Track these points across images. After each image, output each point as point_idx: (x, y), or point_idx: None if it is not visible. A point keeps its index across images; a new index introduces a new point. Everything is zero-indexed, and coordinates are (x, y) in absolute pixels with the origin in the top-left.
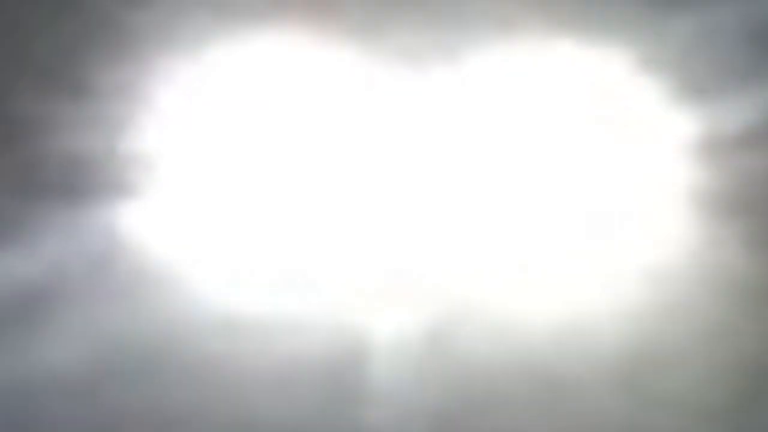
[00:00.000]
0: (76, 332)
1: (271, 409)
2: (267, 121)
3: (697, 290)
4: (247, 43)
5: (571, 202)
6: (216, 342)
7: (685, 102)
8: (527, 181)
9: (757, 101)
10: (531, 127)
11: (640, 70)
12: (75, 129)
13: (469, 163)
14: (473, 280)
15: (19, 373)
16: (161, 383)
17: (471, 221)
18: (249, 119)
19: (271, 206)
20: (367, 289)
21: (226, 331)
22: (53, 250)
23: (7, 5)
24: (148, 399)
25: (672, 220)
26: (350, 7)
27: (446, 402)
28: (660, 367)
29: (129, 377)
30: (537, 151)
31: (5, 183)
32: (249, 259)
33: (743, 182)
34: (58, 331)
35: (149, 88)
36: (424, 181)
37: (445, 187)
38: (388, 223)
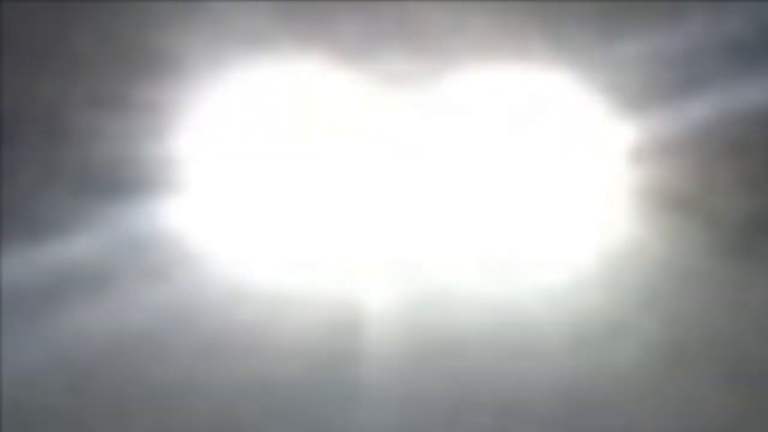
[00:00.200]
0: (123, 304)
1: (280, 370)
2: (279, 130)
3: (633, 272)
4: (261, 66)
5: (530, 198)
6: (236, 313)
7: (628, 115)
8: (494, 181)
9: (686, 114)
10: (497, 137)
11: (592, 89)
12: (120, 137)
13: (445, 167)
14: (448, 263)
15: (79, 336)
16: (191, 348)
17: (448, 215)
18: (263, 129)
19: (282, 200)
20: (361, 270)
21: (244, 304)
22: (104, 237)
23: (68, 38)
24: (180, 360)
25: (612, 212)
26: (348, 37)
27: (426, 361)
28: (606, 332)
29: (165, 342)
30: (502, 157)
31: (65, 182)
32: (264, 243)
33: (673, 182)
34: (110, 303)
35: (181, 103)
36: (410, 181)
37: (426, 187)
38: (379, 215)
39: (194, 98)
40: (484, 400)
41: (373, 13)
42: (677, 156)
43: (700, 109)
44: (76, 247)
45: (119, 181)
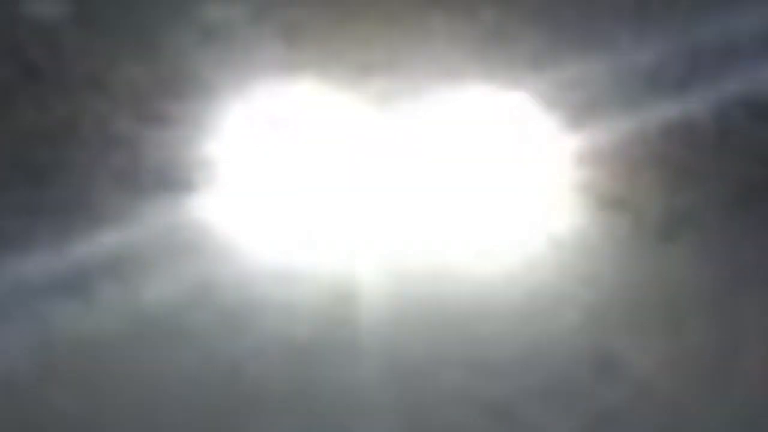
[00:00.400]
0: (162, 280)
1: (290, 333)
2: (290, 138)
3: (575, 255)
4: (274, 86)
5: (494, 194)
6: (254, 286)
7: (571, 128)
8: (463, 181)
9: (618, 127)
10: (466, 145)
11: (543, 106)
12: (160, 145)
13: (424, 169)
14: (428, 246)
15: (133, 308)
16: (218, 315)
17: (427, 208)
18: (277, 137)
19: (293, 195)
20: (357, 251)
21: (261, 279)
22: (147, 225)
23: (120, 67)
24: (210, 324)
25: (559, 207)
26: (345, 64)
27: (408, 325)
28: (553, 303)
29: (197, 309)
30: (469, 161)
31: (116, 182)
32: (278, 230)
33: (607, 182)
34: (152, 279)
35: (208, 117)
36: (396, 180)
37: (409, 185)
38: (372, 207)
39: (219, 113)
40: (457, 357)
41: (365, 44)
42: (610, 162)
43: (630, 123)
44: (126, 233)
45: (160, 180)
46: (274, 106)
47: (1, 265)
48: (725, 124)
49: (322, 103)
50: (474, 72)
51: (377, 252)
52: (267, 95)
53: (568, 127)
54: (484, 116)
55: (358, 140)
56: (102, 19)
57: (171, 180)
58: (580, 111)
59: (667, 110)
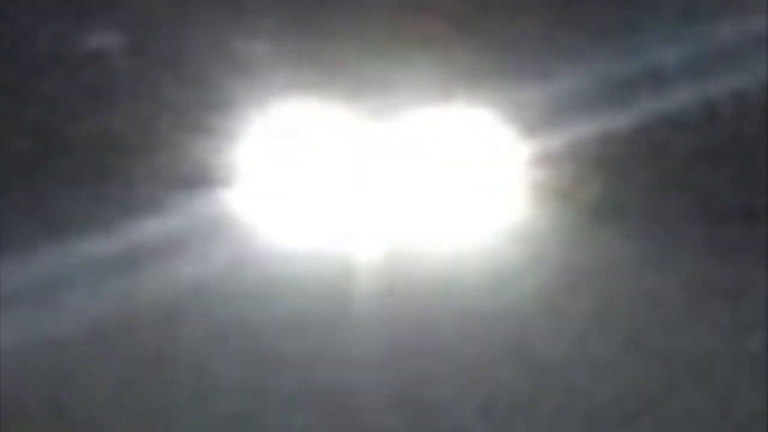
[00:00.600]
0: (195, 261)
1: (298, 305)
2: (299, 143)
3: (528, 240)
4: (285, 100)
5: (461, 191)
6: (272, 265)
7: (527, 136)
8: (438, 180)
9: (567, 136)
10: (438, 151)
11: (502, 119)
12: (196, 149)
13: (407, 170)
14: (412, 232)
15: (175, 280)
16: (240, 292)
17: (409, 201)
18: (289, 143)
19: (302, 190)
20: (355, 235)
21: (277, 260)
22: (188, 215)
23: (160, 85)
24: (235, 298)
25: (516, 201)
26: (343, 86)
27: (399, 297)
28: (510, 277)
29: (226, 283)
30: (441, 164)
31: (162, 179)
32: (290, 218)
33: (555, 180)
34: (184, 261)
35: (234, 126)
36: (385, 178)
37: (396, 183)
38: (366, 199)
39: (243, 125)
40: (440, 322)
41: (360, 71)
42: (556, 163)
43: (577, 132)
44: (169, 220)
45: (196, 177)
46: (287, 119)
47: (70, 246)
48: (648, 133)
49: (325, 117)
50: (449, 92)
51: (371, 236)
52: (281, 110)
53: (522, 136)
54: (456, 127)
55: (355, 146)
56: (151, 50)
57: (205, 178)
58: (533, 123)
59: (601, 122)
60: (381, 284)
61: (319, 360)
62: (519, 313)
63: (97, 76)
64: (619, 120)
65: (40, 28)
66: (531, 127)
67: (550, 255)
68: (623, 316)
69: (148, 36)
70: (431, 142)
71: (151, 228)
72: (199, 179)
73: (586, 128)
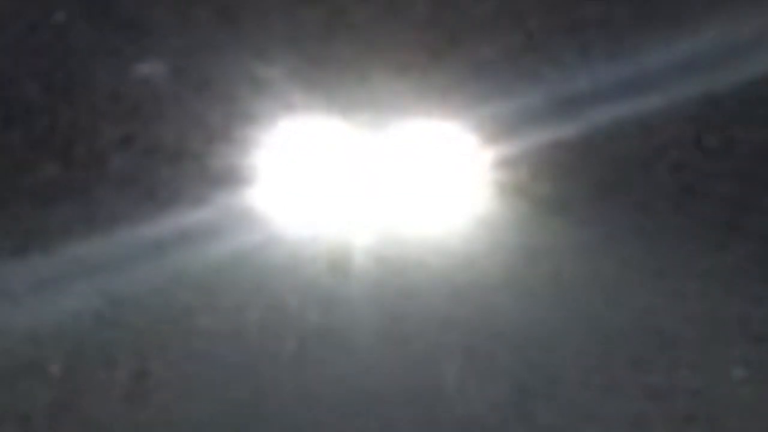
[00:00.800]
0: (225, 247)
1: (306, 278)
2: (307, 150)
3: (489, 228)
4: (296, 117)
5: (435, 188)
6: (285, 249)
7: (491, 144)
8: (417, 179)
9: (523, 145)
10: (419, 155)
11: (464, 130)
12: (223, 155)
13: (393, 170)
14: (399, 221)
15: (205, 259)
16: (259, 269)
17: (395, 197)
18: (299, 149)
19: (309, 186)
20: (353, 223)
21: (288, 244)
22: (218, 207)
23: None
24: (257, 272)
25: (479, 195)
26: (340, 102)
27: (387, 274)
28: (472, 258)
29: (252, 260)
30: (421, 164)
31: (196, 178)
32: (298, 210)
33: (513, 179)
34: (222, 241)
35: (257, 136)
36: (377, 176)
37: (386, 180)
38: (361, 194)
39: (262, 133)
40: (419, 291)
41: (353, 92)
42: (516, 166)
43: (531, 140)
44: (202, 212)
45: (222, 177)
46: (297, 130)
47: (125, 231)
48: (589, 141)
49: (327, 128)
50: (425, 108)
51: (365, 223)
52: (293, 123)
53: (486, 143)
54: (432, 136)
55: (350, 152)
56: (189, 75)
57: (231, 177)
58: (494, 133)
59: (550, 132)
60: (372, 261)
61: (324, 314)
62: (483, 285)
63: (146, 96)
64: (565, 130)
65: (102, 58)
66: (493, 136)
67: (508, 239)
68: (569, 289)
69: (186, 64)
70: (412, 149)
71: (189, 217)
72: (227, 179)
73: (538, 137)
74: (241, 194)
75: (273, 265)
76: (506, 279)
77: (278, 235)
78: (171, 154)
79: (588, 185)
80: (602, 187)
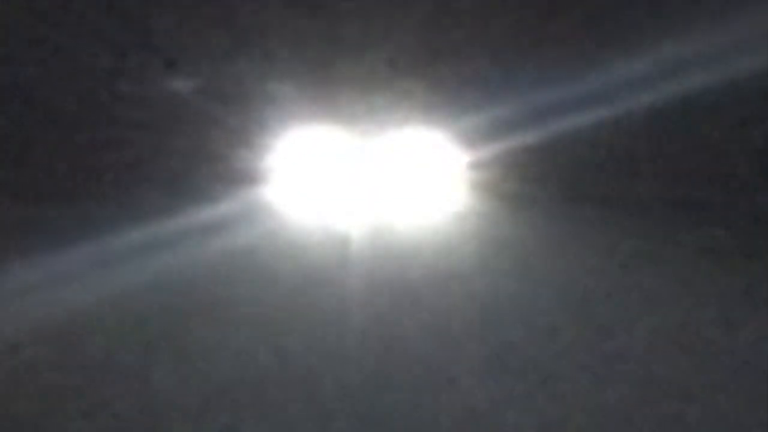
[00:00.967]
0: (241, 237)
1: (311, 263)
2: (312, 152)
3: (463, 222)
4: (303, 125)
5: (415, 186)
6: (294, 238)
7: (467, 147)
8: (402, 178)
9: (495, 149)
10: (404, 157)
11: (443, 136)
12: (239, 158)
13: (386, 169)
14: (390, 215)
15: (222, 249)
16: (269, 258)
17: (385, 194)
18: (306, 152)
19: (315, 184)
20: (352, 216)
21: (297, 234)
22: (233, 205)
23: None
24: (267, 256)
25: (454, 192)
26: (341, 113)
27: (380, 258)
28: (450, 247)
29: (261, 249)
30: (406, 165)
31: (215, 177)
32: (305, 205)
33: (492, 181)
34: (236, 233)
35: (270, 142)
36: (374, 174)
37: (380, 177)
38: (359, 192)
39: (274, 139)
40: (406, 273)
41: (352, 105)
42: (491, 168)
43: (505, 146)
44: (219, 207)
45: (240, 176)
46: (304, 136)
47: (149, 224)
48: (557, 146)
49: (330, 135)
50: (412, 118)
51: (361, 216)
52: (300, 130)
53: (464, 148)
54: (418, 142)
55: (350, 155)
56: (211, 90)
57: (247, 177)
58: (472, 139)
59: (522, 138)
60: (367, 248)
61: (325, 297)
62: (460, 272)
63: (175, 107)
64: (536, 136)
65: (133, 74)
66: (470, 142)
67: (483, 232)
68: (536, 275)
69: (209, 80)
70: (402, 153)
71: (211, 211)
72: (244, 178)
73: (512, 143)
74: (257, 191)
75: (284, 251)
76: (479, 266)
77: (289, 225)
78: (195, 156)
79: (553, 184)
80: (565, 187)
